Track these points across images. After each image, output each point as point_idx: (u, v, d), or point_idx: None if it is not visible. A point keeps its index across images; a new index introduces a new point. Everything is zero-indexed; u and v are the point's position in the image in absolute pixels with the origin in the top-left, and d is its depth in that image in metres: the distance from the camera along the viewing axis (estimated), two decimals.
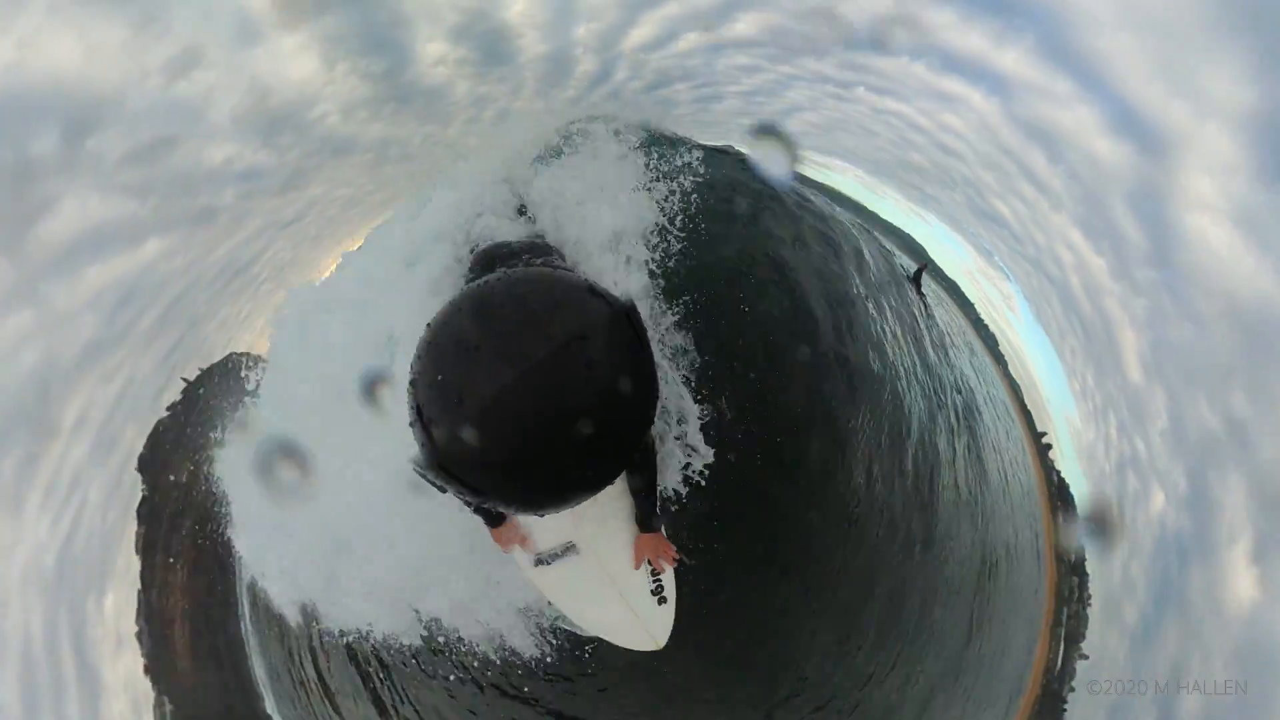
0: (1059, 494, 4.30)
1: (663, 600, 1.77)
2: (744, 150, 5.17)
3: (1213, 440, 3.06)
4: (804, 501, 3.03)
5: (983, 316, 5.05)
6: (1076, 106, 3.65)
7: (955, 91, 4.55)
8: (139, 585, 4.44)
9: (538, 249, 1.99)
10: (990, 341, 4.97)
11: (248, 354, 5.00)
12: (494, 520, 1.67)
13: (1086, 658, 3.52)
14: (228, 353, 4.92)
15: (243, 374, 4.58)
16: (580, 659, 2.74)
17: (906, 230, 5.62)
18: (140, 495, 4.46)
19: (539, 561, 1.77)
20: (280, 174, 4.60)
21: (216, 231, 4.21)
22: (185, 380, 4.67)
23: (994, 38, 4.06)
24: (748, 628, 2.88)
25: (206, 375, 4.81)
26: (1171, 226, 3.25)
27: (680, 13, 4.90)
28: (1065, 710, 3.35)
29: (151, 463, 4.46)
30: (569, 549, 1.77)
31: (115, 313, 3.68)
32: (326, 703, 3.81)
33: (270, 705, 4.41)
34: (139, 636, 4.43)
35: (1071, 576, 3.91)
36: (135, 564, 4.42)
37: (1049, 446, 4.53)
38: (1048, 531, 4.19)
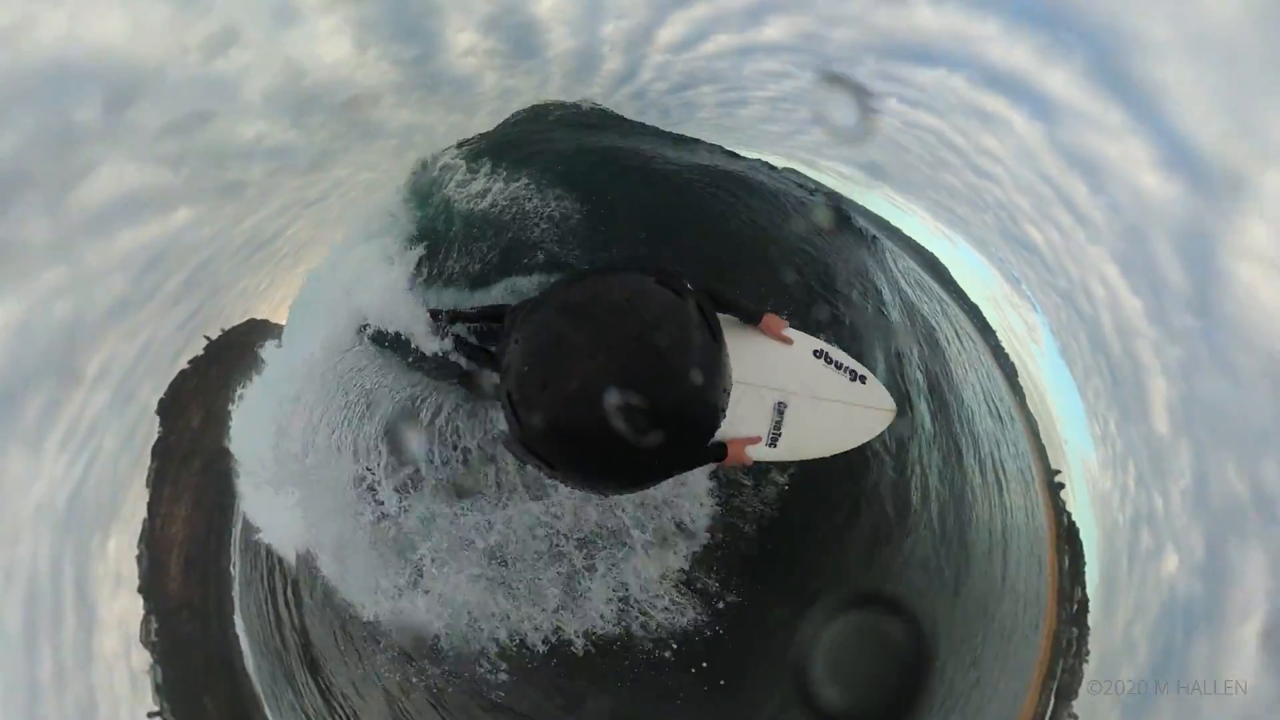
0: (1067, 537, 4.10)
1: (863, 379, 1.85)
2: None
3: (1237, 507, 2.86)
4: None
5: (1003, 344, 4.84)
6: (1127, 137, 3.40)
7: (996, 111, 4.31)
8: (145, 515, 4.79)
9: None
10: (1009, 370, 4.75)
11: (267, 321, 5.23)
12: (719, 456, 1.67)
13: (1075, 717, 3.36)
14: (248, 319, 5.15)
15: (262, 342, 4.78)
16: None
17: (929, 249, 5.41)
18: (156, 435, 4.77)
19: (774, 439, 1.80)
20: (308, 153, 4.73)
21: (243, 205, 4.37)
22: (208, 338, 4.93)
23: (1040, 54, 3.82)
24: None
25: (228, 336, 5.06)
26: (1218, 273, 3.01)
27: (710, 14, 4.80)
28: None
29: (170, 407, 4.76)
30: (781, 407, 1.81)
31: (143, 275, 3.87)
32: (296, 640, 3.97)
33: (243, 640, 4.64)
34: (138, 559, 4.80)
35: (1071, 627, 3.72)
36: (141, 510, 4.74)
37: (1061, 486, 4.31)
38: (1051, 575, 4.00)
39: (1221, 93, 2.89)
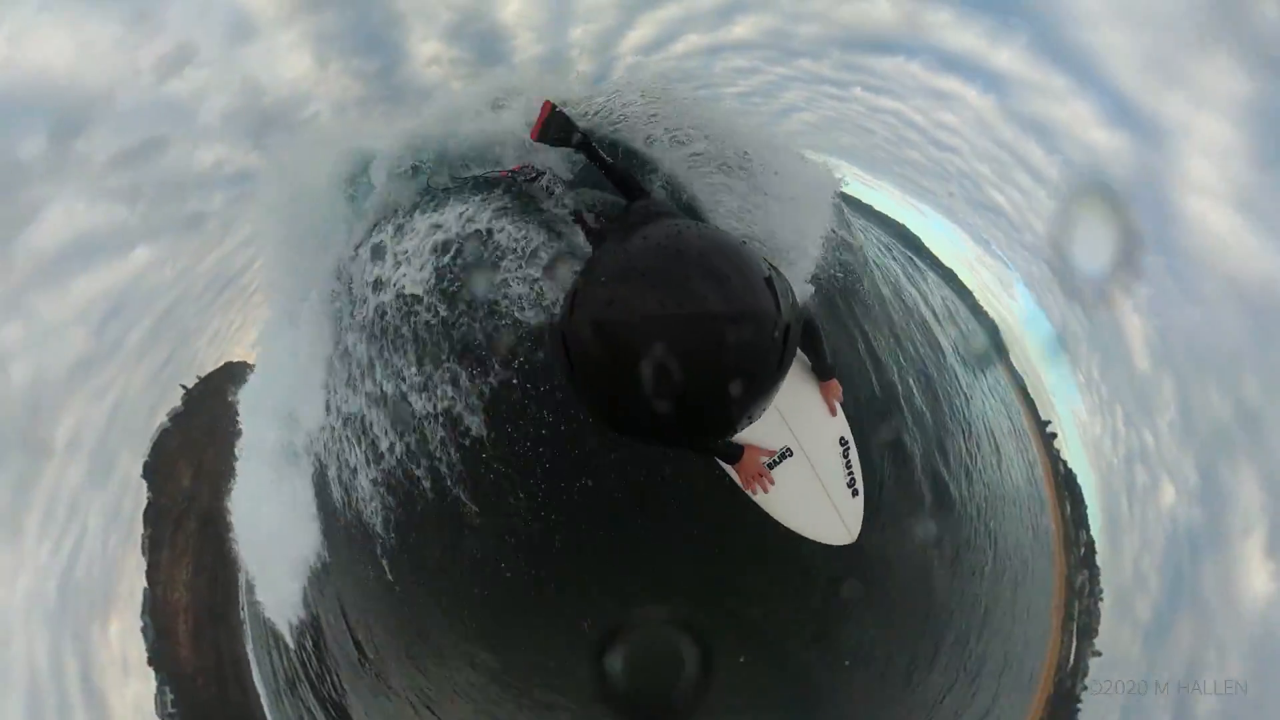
0: (1066, 484, 4.24)
1: (855, 492, 1.82)
2: None
3: (1223, 429, 3.01)
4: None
5: (981, 303, 5.03)
6: (1073, 100, 3.65)
7: (951, 89, 4.56)
8: (145, 584, 4.40)
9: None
10: (991, 330, 4.95)
11: (245, 363, 4.95)
12: (735, 454, 1.65)
13: (1100, 654, 3.44)
14: (224, 363, 4.85)
15: (242, 383, 4.53)
16: None
17: (901, 221, 5.61)
18: (146, 500, 4.41)
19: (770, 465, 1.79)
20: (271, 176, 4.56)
21: (206, 239, 4.09)
22: (184, 387, 4.62)
23: (989, 36, 4.08)
24: None
25: (205, 383, 4.76)
26: (1171, 211, 3.22)
27: (680, 15, 4.90)
28: (1079, 709, 3.25)
29: (156, 469, 4.42)
30: (785, 453, 1.79)
31: (104, 326, 3.57)
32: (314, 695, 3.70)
33: (265, 701, 4.30)
34: (144, 631, 4.41)
35: (1082, 569, 3.82)
36: (140, 581, 4.35)
37: (1054, 435, 4.47)
38: (1055, 522, 4.12)
39: (1151, 52, 3.13)
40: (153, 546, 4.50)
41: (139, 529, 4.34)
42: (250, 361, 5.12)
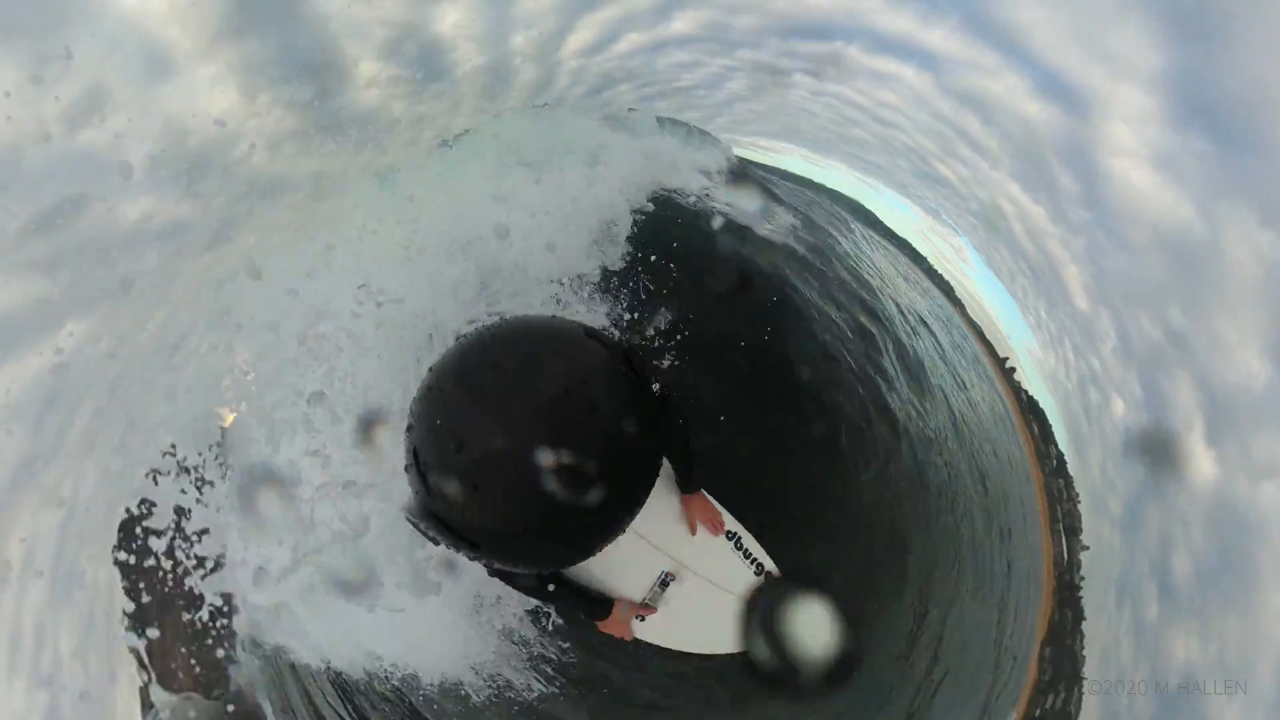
0: (1031, 409, 4.94)
1: (767, 575, 1.73)
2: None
3: (1156, 348, 3.64)
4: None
5: (936, 269, 5.62)
6: (1005, 75, 4.08)
7: (889, 70, 4.91)
8: (141, 680, 3.78)
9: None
10: (946, 289, 5.56)
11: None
12: (601, 611, 1.56)
13: (1088, 548, 4.09)
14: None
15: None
16: None
17: (855, 198, 6.05)
18: (123, 611, 3.75)
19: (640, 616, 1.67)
20: (207, 227, 3.95)
21: (142, 303, 3.52)
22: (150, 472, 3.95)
23: (920, 18, 4.43)
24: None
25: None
26: (1099, 172, 3.78)
27: (619, 14, 4.85)
28: (1081, 595, 3.88)
29: (134, 563, 3.77)
30: (666, 580, 1.64)
31: (41, 419, 2.97)
32: None
33: None
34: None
35: (1057, 479, 4.50)
36: (135, 703, 3.72)
37: (1013, 369, 5.16)
38: (1026, 440, 4.81)
39: (1072, 26, 3.59)
40: (150, 655, 3.88)
41: (120, 629, 3.71)
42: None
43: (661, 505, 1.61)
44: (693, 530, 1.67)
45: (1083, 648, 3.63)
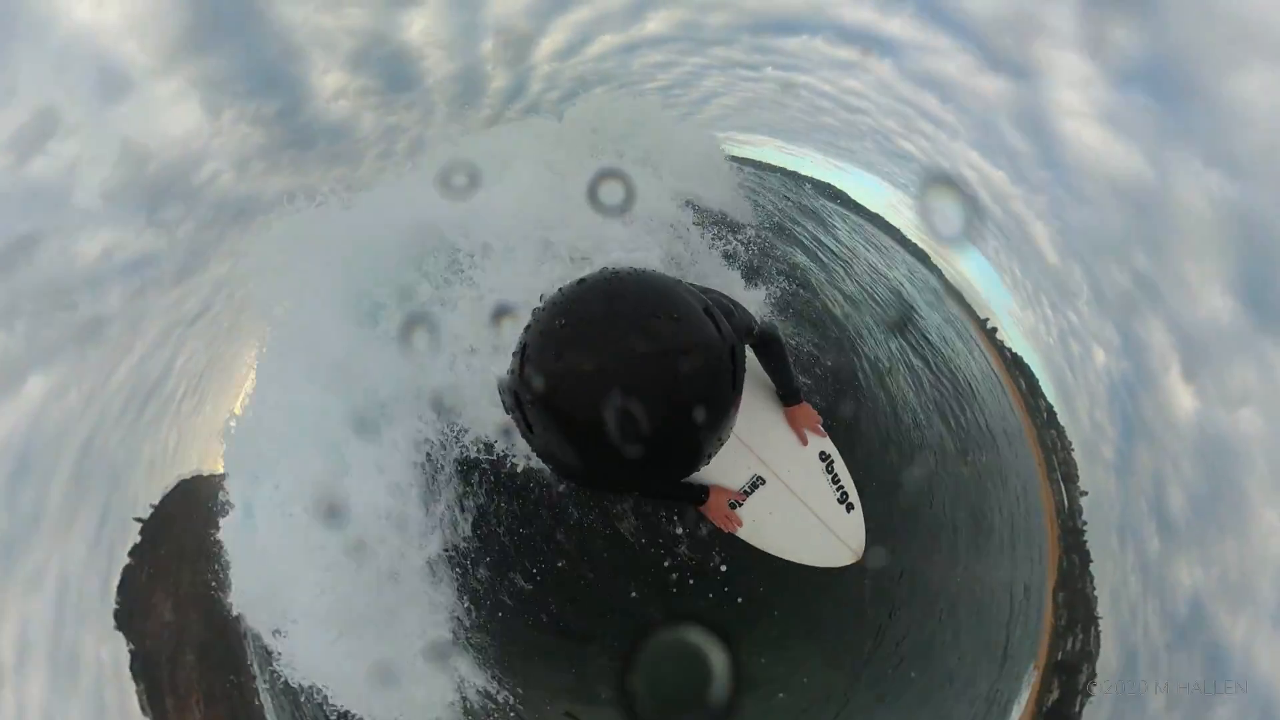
0: (1016, 365, 5.11)
1: (850, 507, 1.73)
2: None
3: (1128, 295, 3.84)
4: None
5: (910, 239, 5.86)
6: (957, 55, 4.35)
7: (852, 58, 5.17)
8: None
9: None
10: (921, 256, 5.78)
11: (199, 475, 4.23)
12: (702, 494, 1.62)
13: (1086, 494, 4.23)
14: (177, 482, 4.09)
15: (205, 495, 3.89)
16: None
17: (829, 181, 6.28)
18: (128, 654, 3.58)
19: (733, 506, 1.70)
20: (174, 257, 3.69)
21: (110, 348, 3.31)
22: (139, 520, 3.82)
23: (880, 9, 4.71)
24: None
25: (161, 510, 4.00)
26: (1052, 133, 4.02)
27: (591, 16, 4.97)
28: (1085, 540, 4.00)
29: (131, 614, 3.62)
30: (756, 481, 1.69)
31: (14, 490, 2.71)
32: None
33: None
34: None
35: (1049, 430, 4.66)
36: None
37: (994, 329, 5.35)
38: (1014, 395, 4.98)
39: (1014, 5, 3.86)
40: (152, 700, 3.72)
41: (130, 684, 3.52)
42: (204, 473, 4.37)
43: (763, 413, 1.67)
44: (802, 440, 1.72)
45: (1094, 589, 3.75)
